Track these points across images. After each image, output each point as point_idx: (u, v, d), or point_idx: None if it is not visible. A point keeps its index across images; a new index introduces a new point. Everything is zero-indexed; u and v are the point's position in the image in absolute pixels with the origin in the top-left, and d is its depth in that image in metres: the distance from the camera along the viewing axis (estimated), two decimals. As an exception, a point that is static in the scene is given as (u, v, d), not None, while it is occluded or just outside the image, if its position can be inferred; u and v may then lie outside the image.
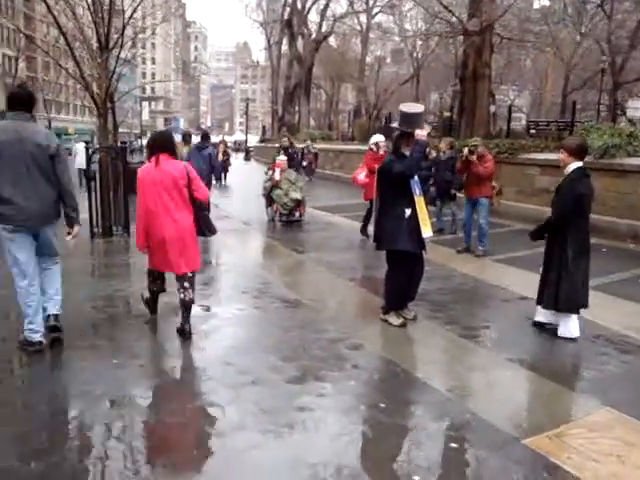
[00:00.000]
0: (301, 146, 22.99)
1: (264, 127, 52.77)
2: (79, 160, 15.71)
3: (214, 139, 26.75)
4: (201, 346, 4.75)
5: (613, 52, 28.78)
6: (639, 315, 5.84)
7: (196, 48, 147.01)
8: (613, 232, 9.91)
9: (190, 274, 4.88)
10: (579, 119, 15.26)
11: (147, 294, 5.32)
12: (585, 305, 5.07)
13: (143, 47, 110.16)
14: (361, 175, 9.42)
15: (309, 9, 38.10)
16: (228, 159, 20.22)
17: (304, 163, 21.61)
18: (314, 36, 36.94)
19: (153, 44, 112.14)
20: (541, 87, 45.55)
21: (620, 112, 24.51)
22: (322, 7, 38.11)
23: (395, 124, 5.38)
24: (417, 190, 5.16)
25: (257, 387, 3.97)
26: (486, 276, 7.40)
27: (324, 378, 4.13)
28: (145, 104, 79.89)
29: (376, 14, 40.49)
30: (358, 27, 42.63)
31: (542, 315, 5.30)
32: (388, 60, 57.45)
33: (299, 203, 11.31)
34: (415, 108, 5.26)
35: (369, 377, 4.21)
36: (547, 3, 40.49)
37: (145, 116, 77.64)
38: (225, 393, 3.86)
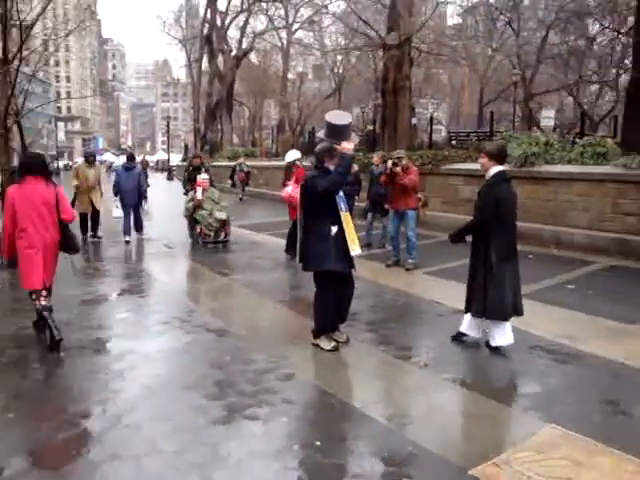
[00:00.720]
0: (232, 164, 22.48)
1: (186, 145, 51.71)
2: None
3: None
4: (116, 388, 4.27)
5: (522, 66, 30.13)
6: (570, 321, 5.83)
7: (114, 66, 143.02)
8: (537, 238, 10.10)
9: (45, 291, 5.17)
10: (497, 129, 15.69)
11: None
12: (517, 312, 4.96)
13: (57, 65, 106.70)
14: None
15: (229, 25, 37.67)
16: (146, 178, 19.08)
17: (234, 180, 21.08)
18: (234, 52, 36.52)
19: (67, 61, 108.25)
20: (458, 100, 47.19)
21: (534, 123, 25.58)
22: (242, 23, 37.85)
23: (320, 133, 5.07)
24: (343, 206, 4.91)
25: (178, 433, 3.55)
26: (418, 290, 7.26)
27: (253, 416, 3.76)
28: (61, 124, 76.71)
29: (296, 30, 40.66)
30: (279, 43, 42.70)
31: (467, 326, 5.16)
32: (310, 76, 57.85)
33: (224, 223, 10.86)
34: (342, 119, 4.91)
35: (302, 412, 3.88)
36: (460, 20, 42.17)
37: (61, 137, 74.38)
38: (142, 444, 3.42)
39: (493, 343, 4.97)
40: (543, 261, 8.87)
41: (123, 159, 12.23)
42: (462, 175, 11.89)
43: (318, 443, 3.44)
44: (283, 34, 40.98)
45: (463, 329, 5.18)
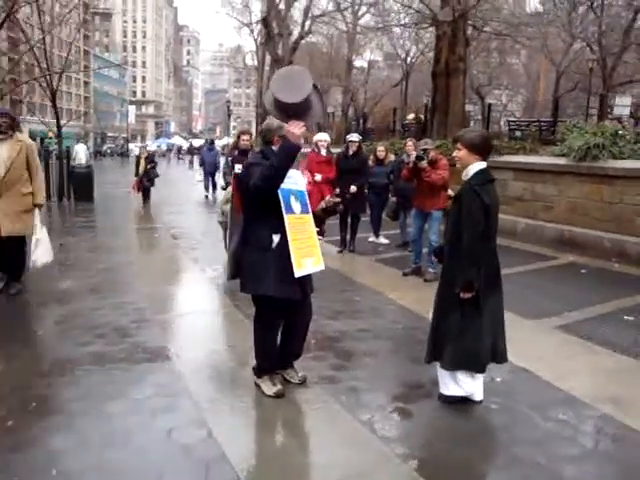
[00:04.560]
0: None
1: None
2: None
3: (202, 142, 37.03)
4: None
5: (604, 54, 27.41)
6: (618, 374, 4.28)
7: (188, 52, 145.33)
8: (596, 249, 8.44)
9: None
10: (572, 122, 13.70)
11: None
12: (498, 359, 3.66)
13: (134, 50, 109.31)
14: None
15: (289, 7, 36.59)
16: (154, 167, 15.43)
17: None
18: (295, 36, 35.49)
19: (144, 47, 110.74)
20: (534, 91, 44.28)
21: (609, 114, 22.96)
22: (305, 6, 36.68)
23: (268, 100, 3.41)
24: (295, 206, 3.53)
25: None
26: (429, 310, 5.83)
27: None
28: (131, 107, 78.39)
29: (362, 15, 39.06)
30: (344, 28, 41.31)
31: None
32: (381, 64, 56.15)
33: None
34: (293, 92, 3.25)
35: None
36: (540, 8, 39.21)
37: (131, 119, 75.99)
38: None
39: (465, 392, 3.65)
40: (599, 278, 7.22)
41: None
42: (512, 169, 10.15)
43: None
44: (349, 19, 39.52)
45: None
